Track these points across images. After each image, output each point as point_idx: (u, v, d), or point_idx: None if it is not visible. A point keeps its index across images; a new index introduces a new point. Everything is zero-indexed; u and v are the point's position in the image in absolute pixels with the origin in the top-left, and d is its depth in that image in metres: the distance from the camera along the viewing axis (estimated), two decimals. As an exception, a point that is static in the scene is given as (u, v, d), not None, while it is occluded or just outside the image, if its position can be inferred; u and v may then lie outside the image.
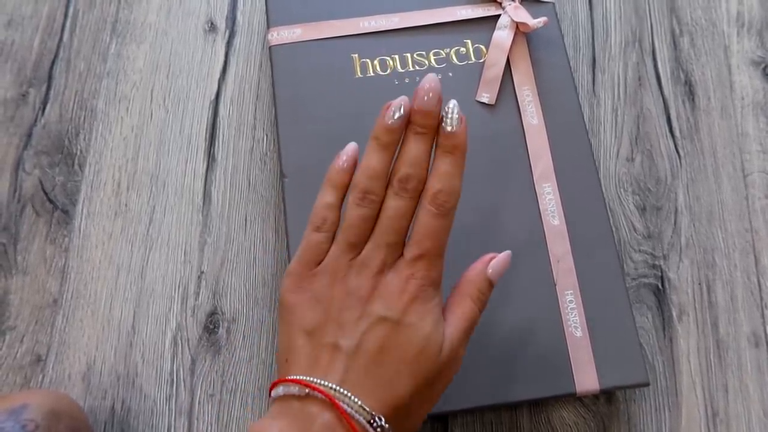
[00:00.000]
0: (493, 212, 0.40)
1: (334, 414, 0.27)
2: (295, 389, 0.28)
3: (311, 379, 0.28)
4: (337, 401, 0.27)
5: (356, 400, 0.27)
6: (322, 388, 0.27)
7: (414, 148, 0.30)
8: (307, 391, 0.28)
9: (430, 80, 0.30)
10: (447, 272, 0.31)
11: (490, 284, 0.32)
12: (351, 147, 0.32)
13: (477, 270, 0.32)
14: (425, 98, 0.30)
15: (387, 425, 0.27)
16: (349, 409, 0.27)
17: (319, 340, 0.29)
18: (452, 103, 0.30)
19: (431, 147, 0.31)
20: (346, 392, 0.27)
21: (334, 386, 0.27)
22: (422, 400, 0.30)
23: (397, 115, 0.30)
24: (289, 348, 0.30)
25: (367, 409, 0.27)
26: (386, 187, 0.31)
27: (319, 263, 0.31)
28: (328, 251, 0.31)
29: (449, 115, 0.30)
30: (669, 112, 0.48)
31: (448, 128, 0.30)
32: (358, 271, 0.30)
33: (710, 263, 0.44)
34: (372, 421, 0.27)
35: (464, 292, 0.31)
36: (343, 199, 0.31)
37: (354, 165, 0.31)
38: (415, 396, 0.29)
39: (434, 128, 0.30)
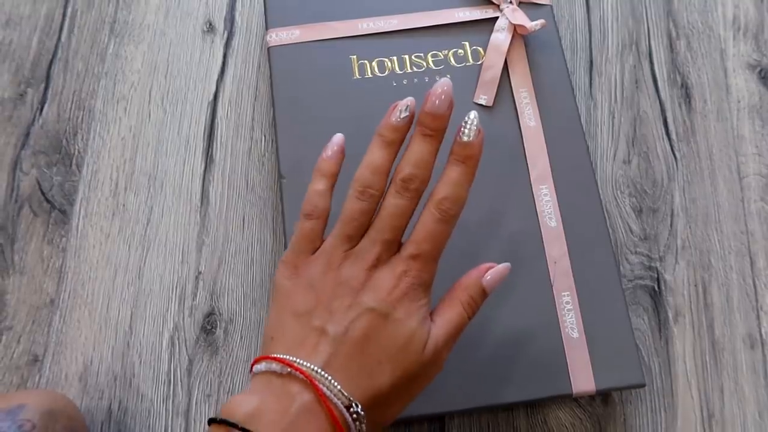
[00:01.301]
0: (490, 214, 0.40)
1: (314, 395, 0.27)
2: (276, 367, 0.28)
3: (293, 358, 0.28)
4: (316, 383, 0.27)
5: (336, 384, 0.28)
6: (303, 368, 0.28)
7: (420, 149, 0.31)
8: (288, 370, 0.28)
9: (443, 84, 0.30)
10: (439, 272, 0.31)
11: (484, 293, 0.32)
12: (337, 137, 0.33)
13: (472, 277, 0.32)
14: (437, 102, 0.30)
15: (362, 412, 0.28)
16: (328, 392, 0.27)
17: (307, 322, 0.30)
18: (473, 114, 0.31)
19: (437, 150, 0.31)
20: (326, 375, 0.28)
21: (316, 368, 0.28)
22: (400, 395, 0.30)
23: (403, 115, 0.31)
24: (276, 327, 0.30)
25: (346, 394, 0.28)
26: (386, 184, 0.31)
27: (313, 251, 0.31)
28: (320, 237, 0.32)
29: (467, 125, 0.31)
30: (665, 114, 0.48)
31: (465, 138, 0.31)
32: (353, 263, 0.30)
33: (706, 265, 0.44)
34: (349, 406, 0.28)
35: (456, 297, 0.32)
36: (332, 187, 0.32)
37: (341, 154, 0.32)
38: (394, 389, 0.29)
39: (442, 131, 0.31)
